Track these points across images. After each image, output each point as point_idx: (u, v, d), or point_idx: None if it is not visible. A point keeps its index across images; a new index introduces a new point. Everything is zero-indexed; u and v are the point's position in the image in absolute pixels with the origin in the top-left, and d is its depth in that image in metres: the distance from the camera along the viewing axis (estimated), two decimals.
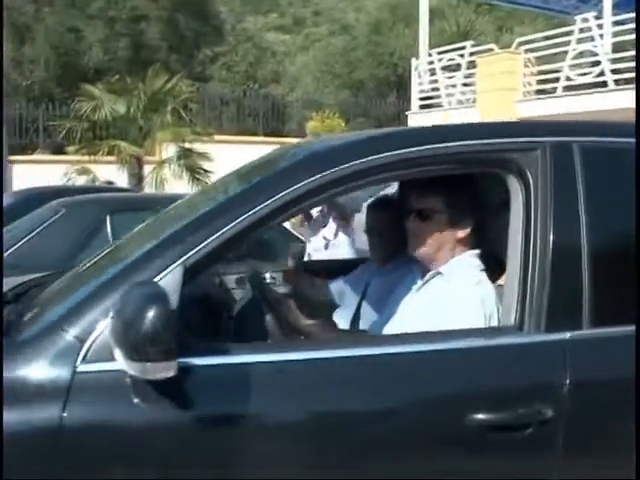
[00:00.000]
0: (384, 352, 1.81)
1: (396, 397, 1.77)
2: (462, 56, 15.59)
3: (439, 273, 2.15)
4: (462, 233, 2.15)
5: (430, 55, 16.31)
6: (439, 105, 15.87)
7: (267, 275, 2.70)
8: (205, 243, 1.76)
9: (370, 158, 1.86)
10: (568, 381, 1.78)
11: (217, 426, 1.70)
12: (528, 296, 1.85)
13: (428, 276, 2.17)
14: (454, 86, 15.77)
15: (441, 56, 16.05)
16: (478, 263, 2.14)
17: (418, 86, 16.50)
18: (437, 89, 16.07)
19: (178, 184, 11.92)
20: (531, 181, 1.91)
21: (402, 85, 21.46)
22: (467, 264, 2.12)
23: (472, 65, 15.15)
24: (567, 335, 1.82)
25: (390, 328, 2.11)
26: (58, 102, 17.61)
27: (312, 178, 1.83)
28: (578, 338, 1.83)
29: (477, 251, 2.17)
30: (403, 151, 1.88)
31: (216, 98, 20.63)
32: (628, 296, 1.87)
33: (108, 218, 5.19)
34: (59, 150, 16.67)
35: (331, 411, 1.74)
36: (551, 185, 1.89)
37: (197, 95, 16.45)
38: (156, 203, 4.64)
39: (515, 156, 1.93)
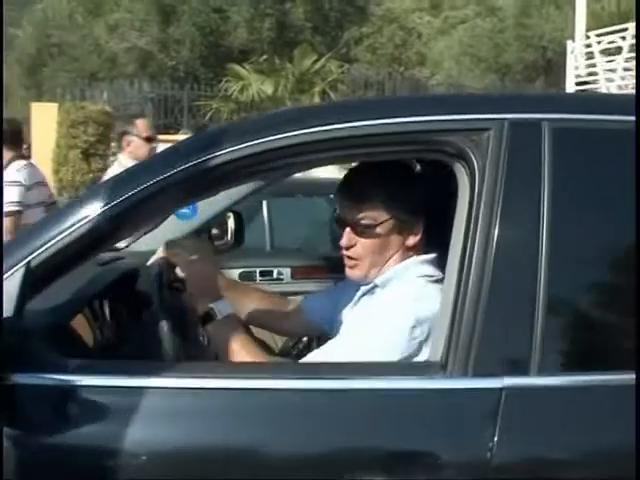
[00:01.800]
0: (253, 387, 1.44)
1: (261, 444, 1.41)
2: (624, 38, 14.45)
3: (375, 286, 1.75)
4: (412, 240, 1.73)
5: (588, 37, 15.26)
6: (597, 91, 14.78)
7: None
8: (51, 242, 1.51)
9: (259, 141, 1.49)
10: (495, 448, 1.33)
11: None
12: (456, 324, 1.42)
13: (362, 291, 1.77)
14: (613, 71, 14.65)
15: (600, 38, 14.97)
16: (429, 272, 1.70)
17: (574, 70, 15.51)
18: (595, 74, 15.01)
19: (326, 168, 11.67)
20: (476, 171, 1.47)
21: (551, 69, 20.28)
22: (411, 273, 1.70)
23: (634, 49, 13.96)
24: (502, 382, 1.37)
25: (314, 356, 1.71)
26: (203, 82, 17.97)
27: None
28: (518, 387, 1.37)
29: (431, 256, 1.73)
30: (303, 132, 1.50)
31: (360, 80, 20.40)
32: (607, 332, 1.41)
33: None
34: (202, 130, 17.03)
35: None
36: (502, 177, 1.45)
37: (345, 76, 16.33)
38: (312, 187, 4.59)
39: (455, 138, 1.49)
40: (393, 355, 1.55)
